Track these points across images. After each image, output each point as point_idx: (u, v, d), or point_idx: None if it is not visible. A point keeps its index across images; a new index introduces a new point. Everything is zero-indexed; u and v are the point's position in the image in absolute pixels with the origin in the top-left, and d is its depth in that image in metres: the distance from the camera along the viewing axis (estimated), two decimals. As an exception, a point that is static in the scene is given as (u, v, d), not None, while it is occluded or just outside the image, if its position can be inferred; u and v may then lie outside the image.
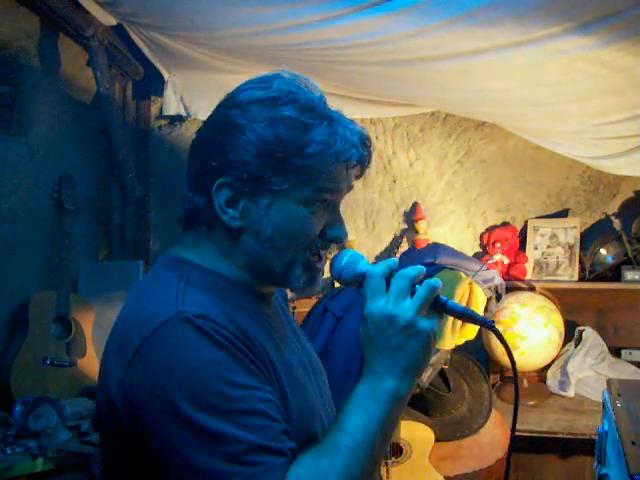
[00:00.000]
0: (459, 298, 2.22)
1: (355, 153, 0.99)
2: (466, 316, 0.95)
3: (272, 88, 0.98)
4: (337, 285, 2.90)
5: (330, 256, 1.07)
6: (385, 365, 0.90)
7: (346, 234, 1.04)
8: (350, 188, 1.05)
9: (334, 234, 1.02)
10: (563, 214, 3.12)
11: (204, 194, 0.99)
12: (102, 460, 1.01)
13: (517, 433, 2.44)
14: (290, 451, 0.85)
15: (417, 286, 0.92)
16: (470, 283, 2.36)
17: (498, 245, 3.03)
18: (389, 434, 0.91)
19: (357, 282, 0.98)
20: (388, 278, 0.93)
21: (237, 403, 0.83)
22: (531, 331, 2.67)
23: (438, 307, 0.93)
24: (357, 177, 1.05)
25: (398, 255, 3.11)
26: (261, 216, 0.98)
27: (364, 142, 1.02)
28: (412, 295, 0.92)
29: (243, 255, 1.00)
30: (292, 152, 0.95)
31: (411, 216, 3.26)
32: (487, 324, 0.95)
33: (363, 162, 1.03)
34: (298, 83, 1.01)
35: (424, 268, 0.95)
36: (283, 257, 0.99)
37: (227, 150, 0.96)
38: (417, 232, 3.18)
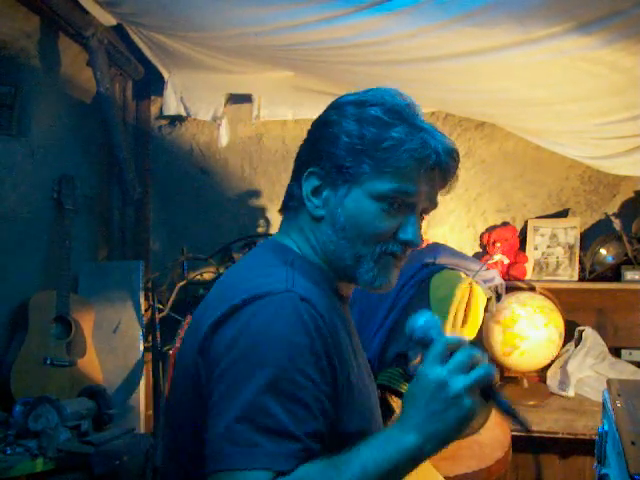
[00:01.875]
0: (459, 298, 2.22)
1: (432, 155, 1.01)
2: (509, 414, 0.94)
3: (367, 94, 1.08)
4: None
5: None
6: (418, 422, 0.90)
7: (419, 239, 1.06)
8: (433, 200, 1.07)
9: (405, 237, 1.05)
10: (563, 214, 3.12)
11: (297, 182, 1.09)
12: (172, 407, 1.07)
13: (517, 433, 2.44)
14: (314, 451, 0.89)
15: (477, 367, 0.92)
16: (470, 283, 2.36)
17: (498, 245, 3.03)
18: (393, 478, 0.92)
19: (424, 344, 0.98)
20: (453, 351, 0.94)
21: (295, 389, 0.89)
22: (531, 331, 2.67)
23: (487, 394, 0.93)
24: (442, 188, 1.08)
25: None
26: (337, 205, 1.04)
27: (448, 152, 1.04)
28: (469, 372, 0.92)
29: (322, 244, 1.07)
30: (370, 146, 1.01)
31: (411, 216, 3.26)
32: (524, 427, 0.94)
33: (444, 169, 1.05)
34: (393, 92, 1.08)
35: (482, 354, 0.94)
36: (353, 248, 1.04)
37: (319, 142, 1.07)
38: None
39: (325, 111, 1.12)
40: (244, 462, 0.85)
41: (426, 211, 1.09)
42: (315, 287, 1.01)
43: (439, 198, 1.09)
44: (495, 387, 0.93)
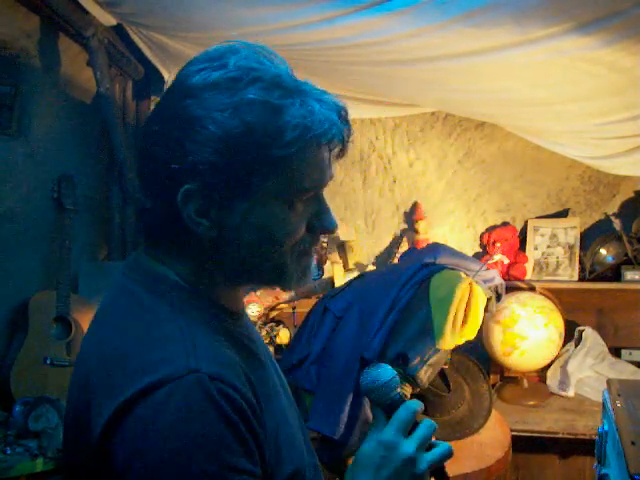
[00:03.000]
0: (459, 298, 2.22)
1: (337, 132, 0.84)
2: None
3: (229, 67, 0.82)
4: (337, 285, 2.90)
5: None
6: None
7: (336, 224, 0.91)
8: (332, 175, 0.90)
9: (322, 226, 0.90)
10: (563, 214, 3.12)
11: (166, 202, 0.83)
12: None
13: (517, 433, 2.44)
14: None
15: (434, 446, 0.92)
16: (470, 283, 2.35)
17: (498, 245, 3.03)
18: None
19: (383, 404, 0.93)
20: (417, 421, 0.92)
21: None
22: (531, 331, 2.67)
23: (437, 472, 0.93)
24: (339, 157, 0.90)
25: (398, 255, 3.11)
26: (238, 222, 0.83)
27: (341, 115, 0.86)
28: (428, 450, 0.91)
29: (226, 266, 0.87)
30: (266, 142, 0.79)
31: (411, 216, 3.26)
32: None
33: (344, 139, 0.87)
34: (259, 56, 0.85)
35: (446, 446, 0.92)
36: (269, 261, 0.87)
37: (187, 149, 0.80)
38: (417, 232, 3.18)
39: (175, 100, 0.83)
40: None
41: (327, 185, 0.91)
42: (214, 337, 0.84)
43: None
44: (444, 468, 0.92)
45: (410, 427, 0.90)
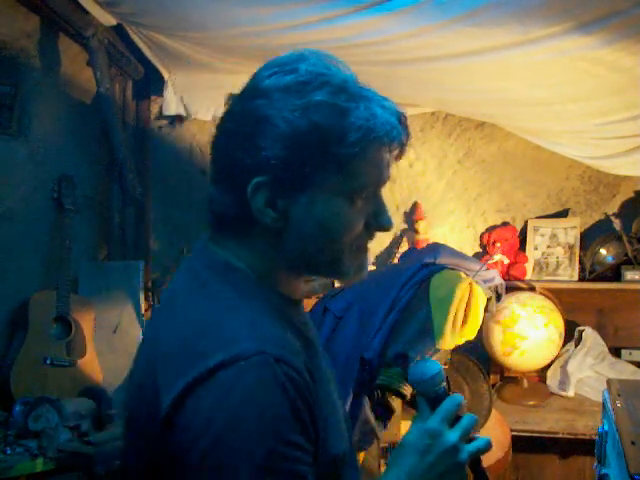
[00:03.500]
0: (459, 298, 2.22)
1: (396, 134, 0.92)
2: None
3: (300, 72, 0.88)
4: (337, 284, 2.90)
5: None
6: (403, 472, 0.90)
7: (391, 223, 0.97)
8: (390, 176, 0.98)
9: (380, 224, 0.95)
10: (563, 214, 3.12)
11: (236, 194, 0.90)
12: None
13: (517, 433, 2.44)
14: None
15: (476, 439, 0.95)
16: (470, 283, 2.35)
17: (498, 245, 3.03)
18: None
19: (429, 395, 0.98)
20: (460, 412, 0.95)
21: (289, 463, 0.79)
22: (531, 331, 2.67)
23: (474, 466, 0.95)
24: (397, 158, 0.99)
25: (398, 255, 3.11)
26: (302, 214, 0.89)
27: (401, 120, 0.94)
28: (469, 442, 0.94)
29: (287, 255, 0.93)
30: (332, 141, 0.86)
31: (411, 216, 3.26)
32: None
33: (404, 142, 0.96)
34: (327, 63, 0.93)
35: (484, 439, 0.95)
36: (328, 254, 0.93)
37: (260, 145, 0.87)
38: (417, 232, 3.18)
39: (248, 100, 0.91)
40: None
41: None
42: (279, 323, 0.89)
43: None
44: (481, 461, 0.96)
45: (453, 419, 0.93)
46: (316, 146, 0.86)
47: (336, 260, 0.93)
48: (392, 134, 0.91)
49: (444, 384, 0.98)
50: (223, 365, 0.78)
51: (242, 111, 0.91)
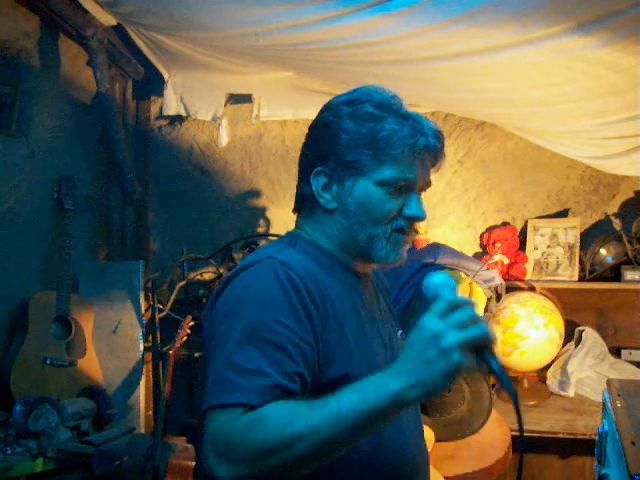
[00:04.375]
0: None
1: (422, 139, 1.14)
2: (496, 376, 0.96)
3: (355, 93, 1.20)
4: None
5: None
6: (406, 368, 0.93)
7: (423, 213, 1.19)
8: (427, 180, 1.20)
9: (410, 212, 1.18)
10: (563, 214, 3.12)
11: (306, 182, 1.21)
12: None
13: (516, 433, 2.44)
14: (287, 390, 0.97)
15: (472, 325, 0.95)
16: (470, 283, 2.36)
17: (498, 245, 3.03)
18: (374, 425, 0.94)
19: (433, 300, 1.00)
20: (456, 307, 0.96)
21: (271, 335, 1.00)
22: (531, 331, 2.67)
23: (479, 354, 0.94)
24: (432, 167, 1.21)
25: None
26: (347, 196, 1.17)
27: (435, 134, 1.17)
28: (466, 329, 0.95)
29: (337, 231, 1.20)
30: (367, 139, 1.14)
31: (411, 216, 3.26)
32: (512, 395, 0.96)
33: (433, 150, 1.17)
34: (379, 89, 1.20)
35: (484, 318, 0.98)
36: (366, 230, 1.17)
37: (320, 143, 1.19)
38: (417, 232, 3.17)
39: (320, 113, 1.23)
40: (222, 399, 0.95)
41: (423, 189, 1.22)
42: (311, 261, 1.15)
43: (432, 177, 1.23)
44: (490, 348, 0.95)
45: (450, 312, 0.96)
46: (356, 142, 1.15)
47: (372, 238, 1.17)
48: (414, 139, 1.14)
49: (449, 290, 1.01)
50: (243, 268, 1.11)
51: (316, 121, 1.24)
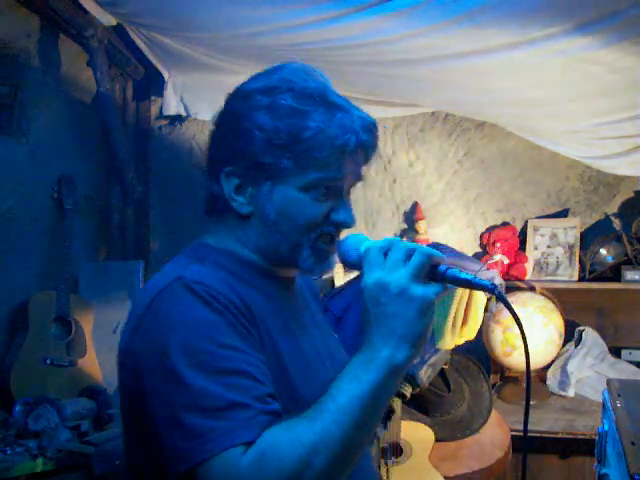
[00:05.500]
0: (459, 298, 2.22)
1: (352, 138, 0.98)
2: (467, 283, 0.91)
3: (273, 78, 1.02)
4: (337, 284, 2.90)
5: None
6: (381, 334, 0.87)
7: (352, 219, 1.05)
8: (358, 176, 1.05)
9: (339, 218, 1.03)
10: (563, 214, 3.12)
11: (216, 182, 1.04)
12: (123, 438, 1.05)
13: (517, 433, 2.44)
14: (273, 412, 0.86)
15: (412, 256, 0.90)
16: (470, 283, 2.35)
17: (498, 245, 3.03)
18: (379, 403, 0.87)
19: (362, 263, 0.95)
20: (386, 252, 0.91)
21: (223, 362, 0.87)
22: (531, 331, 2.67)
23: (437, 276, 0.90)
24: (364, 163, 1.05)
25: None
26: (264, 201, 1.01)
27: (367, 127, 1.01)
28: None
29: (254, 238, 1.04)
30: (288, 139, 0.97)
31: (411, 216, 3.26)
32: (491, 289, 0.91)
33: (365, 148, 1.02)
34: (301, 72, 1.03)
35: (423, 246, 0.93)
36: (288, 240, 1.02)
37: (231, 139, 1.01)
38: (417, 232, 3.18)
39: (230, 101, 1.05)
40: (208, 451, 0.82)
41: (352, 187, 1.07)
42: (224, 273, 0.99)
43: (364, 171, 1.07)
44: (441, 264, 0.90)
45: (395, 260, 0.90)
46: (274, 141, 0.97)
47: (295, 247, 1.02)
48: (345, 136, 0.98)
49: (365, 243, 0.97)
50: (152, 300, 0.93)
51: (224, 110, 1.06)
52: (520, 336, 0.96)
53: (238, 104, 1.03)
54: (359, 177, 1.06)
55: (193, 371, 0.85)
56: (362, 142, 1.00)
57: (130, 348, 0.94)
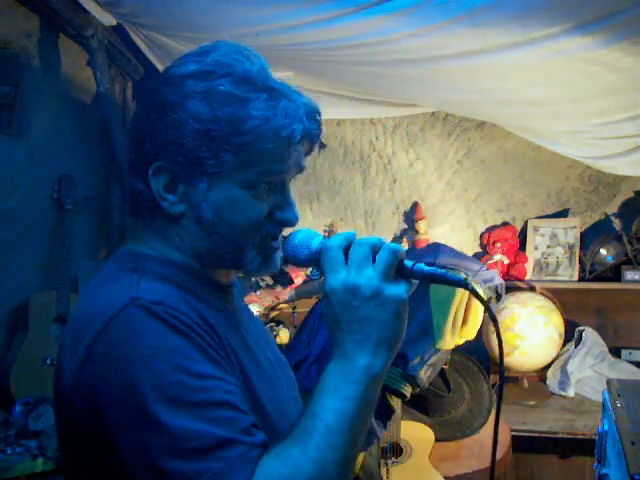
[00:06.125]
0: (459, 298, 2.22)
1: (298, 127, 0.89)
2: (437, 278, 0.85)
3: (207, 61, 0.90)
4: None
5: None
6: (355, 341, 0.81)
7: (296, 217, 0.96)
8: (301, 167, 0.95)
9: (283, 216, 0.94)
10: (563, 214, 3.12)
11: (142, 179, 0.91)
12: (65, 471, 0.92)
13: (517, 433, 2.45)
14: (261, 444, 0.78)
15: (377, 254, 0.84)
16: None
17: (498, 245, 3.03)
18: (366, 416, 0.82)
19: (315, 261, 0.89)
20: (346, 250, 0.85)
21: (200, 394, 0.77)
22: (531, 331, 2.67)
23: (405, 273, 0.85)
24: (307, 154, 0.96)
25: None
26: (200, 201, 0.90)
27: (311, 115, 0.92)
28: (374, 263, 0.84)
29: (189, 241, 0.93)
30: (228, 130, 0.87)
31: (411, 216, 3.26)
32: (462, 283, 0.85)
33: (310, 137, 0.93)
34: (237, 54, 0.92)
35: (382, 238, 0.88)
36: (230, 242, 0.92)
37: (160, 130, 0.89)
38: (417, 232, 3.18)
39: (158, 88, 0.91)
40: None
41: (294, 178, 0.97)
42: (171, 287, 0.89)
43: (306, 161, 0.98)
44: (405, 260, 0.85)
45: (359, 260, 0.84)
46: (212, 133, 0.87)
47: (238, 250, 0.93)
48: (291, 126, 0.89)
49: (318, 239, 0.91)
50: (102, 326, 0.80)
51: (149, 97, 0.93)
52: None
53: (168, 90, 0.89)
54: (301, 169, 0.96)
55: (168, 408, 0.74)
56: (308, 131, 0.91)
57: (82, 382, 0.80)
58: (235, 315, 1.01)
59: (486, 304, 0.87)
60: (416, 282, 0.87)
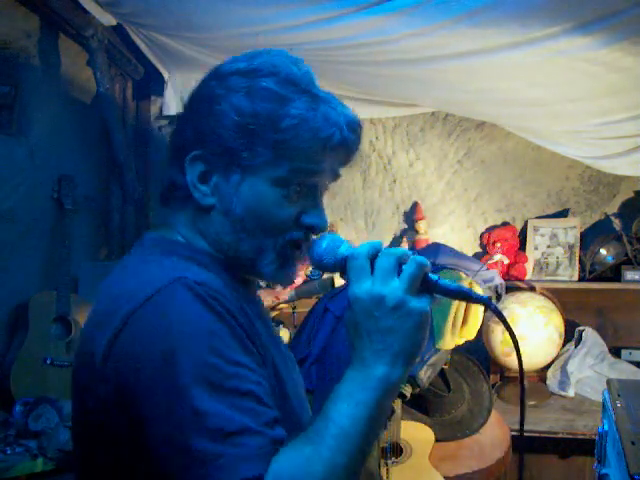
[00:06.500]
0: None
1: (336, 132, 0.90)
2: (461, 294, 0.86)
3: (256, 61, 0.93)
4: (337, 284, 2.90)
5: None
6: (375, 350, 0.82)
7: (325, 223, 0.96)
8: (335, 174, 0.96)
9: (310, 221, 0.94)
10: (563, 214, 3.12)
11: (179, 168, 0.94)
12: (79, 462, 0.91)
13: (517, 433, 2.44)
14: (280, 440, 0.78)
15: (404, 265, 0.83)
16: (470, 283, 2.35)
17: (498, 245, 3.03)
18: (379, 424, 0.83)
19: (340, 267, 0.89)
20: (373, 259, 0.84)
21: (232, 381, 0.78)
22: (531, 331, 2.67)
23: (429, 287, 0.85)
24: (344, 164, 0.97)
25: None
26: (231, 194, 0.91)
27: (352, 126, 0.93)
28: (399, 275, 0.83)
29: (215, 234, 0.94)
30: (265, 125, 0.88)
31: (411, 216, 3.26)
32: (484, 301, 0.86)
33: (348, 146, 0.94)
34: (285, 59, 0.94)
35: (409, 250, 0.87)
36: (253, 240, 0.92)
37: (202, 120, 0.92)
38: (417, 232, 3.18)
39: (205, 82, 0.96)
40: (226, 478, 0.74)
41: (326, 188, 0.98)
42: (209, 273, 0.89)
43: (341, 172, 0.98)
44: (432, 274, 0.85)
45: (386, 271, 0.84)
46: (250, 127, 0.88)
47: (259, 249, 0.93)
48: (329, 130, 0.90)
49: (345, 246, 0.90)
50: (146, 300, 0.80)
51: (198, 90, 0.97)
52: (518, 335, 0.93)
53: (214, 85, 0.93)
54: (336, 177, 0.97)
55: (201, 386, 0.76)
56: (346, 139, 0.92)
57: (116, 351, 0.80)
58: (260, 308, 1.03)
59: (506, 323, 0.88)
60: (439, 297, 0.86)
